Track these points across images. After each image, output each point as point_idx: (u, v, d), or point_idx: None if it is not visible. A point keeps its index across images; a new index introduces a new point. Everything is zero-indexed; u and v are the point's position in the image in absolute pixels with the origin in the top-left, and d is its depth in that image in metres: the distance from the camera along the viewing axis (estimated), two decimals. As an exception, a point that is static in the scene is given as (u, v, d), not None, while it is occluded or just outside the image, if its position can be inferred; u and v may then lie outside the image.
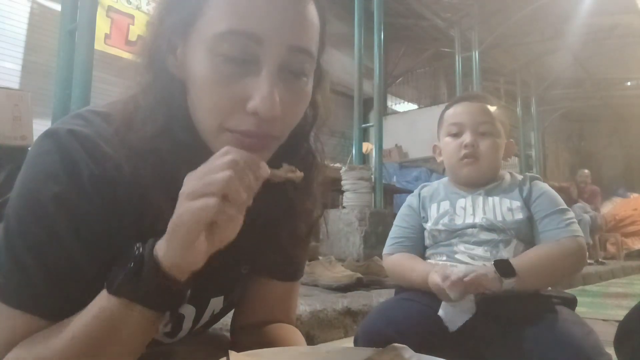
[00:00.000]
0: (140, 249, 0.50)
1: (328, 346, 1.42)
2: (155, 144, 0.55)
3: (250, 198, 0.49)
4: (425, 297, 0.98)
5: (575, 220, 1.05)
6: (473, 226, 1.07)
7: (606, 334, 0.90)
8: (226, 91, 0.53)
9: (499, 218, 1.06)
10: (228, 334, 0.80)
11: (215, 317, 0.75)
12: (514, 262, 0.95)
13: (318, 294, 2.20)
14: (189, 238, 0.47)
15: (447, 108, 1.19)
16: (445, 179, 1.22)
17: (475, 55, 7.11)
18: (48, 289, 0.52)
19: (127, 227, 0.54)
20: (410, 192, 1.29)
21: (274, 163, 0.55)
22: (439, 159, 1.21)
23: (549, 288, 1.05)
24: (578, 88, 9.77)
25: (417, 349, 0.61)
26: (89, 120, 0.57)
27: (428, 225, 1.13)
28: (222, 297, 0.71)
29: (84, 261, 0.53)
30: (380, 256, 1.32)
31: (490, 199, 1.10)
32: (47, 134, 0.55)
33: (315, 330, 1.75)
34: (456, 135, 1.13)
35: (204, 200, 0.46)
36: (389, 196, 5.40)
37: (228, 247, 0.51)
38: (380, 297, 2.15)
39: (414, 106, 9.63)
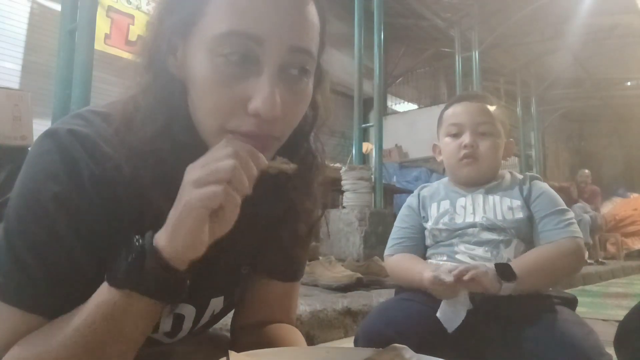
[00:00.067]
0: (140, 241, 0.51)
1: (328, 346, 1.42)
2: (155, 144, 0.55)
3: (250, 187, 0.50)
4: (425, 297, 0.98)
5: (574, 220, 1.05)
6: (473, 225, 1.07)
7: (606, 334, 0.90)
8: (227, 92, 0.53)
9: (500, 217, 1.06)
10: (228, 334, 0.80)
11: (216, 318, 0.75)
12: (513, 264, 0.95)
13: (318, 294, 2.20)
14: (195, 225, 0.48)
15: (446, 108, 1.19)
16: (445, 179, 1.22)
17: (475, 55, 7.11)
18: (48, 288, 0.52)
19: (127, 227, 0.54)
20: (410, 192, 1.29)
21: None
22: (438, 159, 1.21)
23: (550, 288, 1.05)
24: (578, 88, 9.77)
25: (417, 349, 0.61)
26: (89, 120, 0.57)
27: (429, 225, 1.13)
28: (222, 298, 0.71)
29: (84, 260, 0.53)
30: (381, 256, 1.32)
31: (490, 197, 1.10)
32: (47, 134, 0.55)
33: (315, 330, 1.75)
34: (456, 135, 1.13)
35: (211, 187, 0.47)
36: (389, 196, 5.40)
37: (228, 247, 0.51)
38: (380, 297, 2.14)
39: (414, 106, 9.64)
